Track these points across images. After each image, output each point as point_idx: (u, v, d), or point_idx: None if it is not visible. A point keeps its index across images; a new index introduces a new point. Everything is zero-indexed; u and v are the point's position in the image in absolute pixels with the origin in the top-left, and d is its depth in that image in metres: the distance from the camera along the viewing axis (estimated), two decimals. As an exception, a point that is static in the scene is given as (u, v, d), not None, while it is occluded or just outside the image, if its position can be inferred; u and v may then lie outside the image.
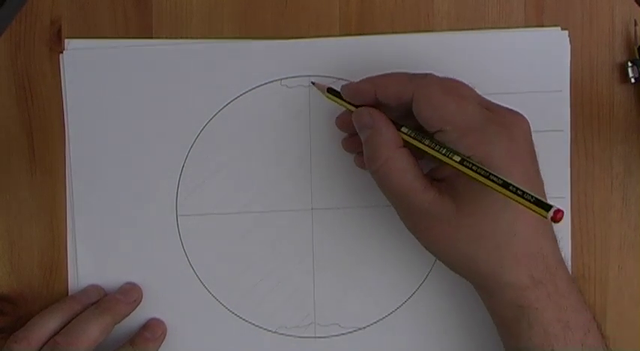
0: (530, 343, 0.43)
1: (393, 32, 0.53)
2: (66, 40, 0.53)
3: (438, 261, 0.50)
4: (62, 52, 0.53)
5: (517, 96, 0.53)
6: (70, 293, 0.53)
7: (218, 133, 0.53)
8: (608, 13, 0.54)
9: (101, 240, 0.53)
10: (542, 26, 0.53)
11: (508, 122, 0.43)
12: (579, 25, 0.53)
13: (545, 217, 0.38)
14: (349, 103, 0.48)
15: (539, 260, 0.43)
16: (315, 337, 0.54)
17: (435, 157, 0.44)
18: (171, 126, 0.53)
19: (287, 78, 0.53)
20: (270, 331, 0.54)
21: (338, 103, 0.49)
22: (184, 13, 0.53)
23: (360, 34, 0.53)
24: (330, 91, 0.50)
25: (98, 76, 0.53)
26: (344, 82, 0.52)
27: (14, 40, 0.53)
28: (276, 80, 0.53)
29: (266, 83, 0.53)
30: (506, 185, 0.40)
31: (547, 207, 0.38)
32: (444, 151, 0.43)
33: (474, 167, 0.41)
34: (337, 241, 0.54)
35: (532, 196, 0.39)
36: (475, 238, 0.43)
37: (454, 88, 0.44)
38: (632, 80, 0.53)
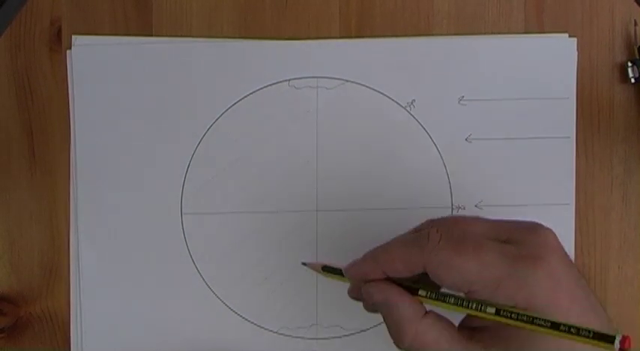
0: None
1: (392, 32, 0.53)
2: (73, 37, 0.53)
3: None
4: (70, 48, 0.53)
5: (524, 102, 0.53)
6: (71, 293, 0.53)
7: (225, 132, 0.53)
8: (608, 13, 0.54)
9: (105, 238, 0.53)
10: (543, 26, 0.53)
11: (536, 252, 0.39)
12: (579, 24, 0.53)
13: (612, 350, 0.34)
14: None
15: None
16: (317, 339, 0.53)
17: (467, 314, 0.40)
18: (178, 124, 0.53)
19: (295, 79, 0.53)
20: (272, 331, 0.53)
21: (337, 279, 0.45)
22: (184, 13, 0.53)
23: (361, 34, 0.53)
24: (326, 269, 0.46)
25: (105, 73, 0.53)
26: (351, 85, 0.52)
27: (14, 40, 0.53)
28: (284, 81, 0.53)
29: (274, 83, 0.53)
30: (555, 326, 0.36)
31: (610, 338, 0.34)
32: (474, 306, 0.39)
33: (513, 315, 0.37)
34: (341, 243, 0.54)
35: (589, 331, 0.35)
36: None
37: (465, 244, 0.39)
38: (632, 80, 0.53)
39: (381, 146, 0.53)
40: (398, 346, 0.41)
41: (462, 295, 0.39)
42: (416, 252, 0.40)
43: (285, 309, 0.54)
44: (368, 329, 0.54)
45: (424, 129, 0.53)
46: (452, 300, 0.39)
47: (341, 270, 0.44)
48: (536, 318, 0.36)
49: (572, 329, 0.35)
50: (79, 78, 0.53)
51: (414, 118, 0.53)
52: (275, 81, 0.53)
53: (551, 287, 0.38)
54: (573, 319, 0.36)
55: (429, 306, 0.40)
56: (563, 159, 0.53)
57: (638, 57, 0.53)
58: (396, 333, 0.40)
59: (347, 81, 0.53)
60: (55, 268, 0.53)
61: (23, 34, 0.53)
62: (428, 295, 0.40)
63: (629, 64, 0.53)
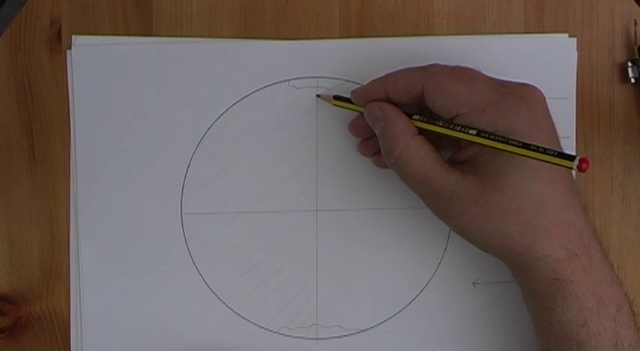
0: (564, 316, 0.43)
1: (392, 32, 0.53)
2: (73, 37, 0.53)
3: (440, 264, 0.50)
4: (70, 48, 0.53)
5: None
6: (71, 293, 0.53)
7: (225, 131, 0.53)
8: (608, 13, 0.54)
9: (105, 238, 0.53)
10: (542, 26, 0.54)
11: (523, 94, 0.44)
12: (579, 24, 0.54)
13: (571, 168, 0.38)
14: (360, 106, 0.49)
15: (572, 231, 0.43)
16: (317, 339, 0.54)
17: (452, 138, 0.44)
18: (178, 124, 0.53)
19: (295, 79, 0.53)
20: (272, 331, 0.54)
21: (347, 108, 0.50)
22: (184, 13, 0.53)
23: (361, 34, 0.53)
24: (337, 97, 0.50)
25: (105, 73, 0.53)
26: (351, 85, 0.52)
27: (14, 40, 0.53)
28: (284, 81, 0.53)
29: (274, 83, 0.53)
30: (526, 146, 0.40)
31: (571, 157, 0.38)
32: (458, 129, 0.43)
33: (491, 136, 0.42)
34: (341, 243, 0.54)
35: (554, 151, 0.39)
36: (504, 213, 0.43)
37: (463, 72, 0.45)
38: (632, 80, 0.53)
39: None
40: (388, 159, 0.46)
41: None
42: (418, 73, 0.45)
43: (285, 309, 0.54)
44: (367, 329, 0.54)
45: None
46: (440, 123, 0.45)
47: (349, 99, 0.50)
48: (511, 139, 0.41)
49: (540, 148, 0.40)
50: (79, 78, 0.52)
51: (415, 118, 0.53)
52: (275, 81, 0.53)
53: (530, 123, 0.42)
54: None
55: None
56: None
57: (638, 57, 0.53)
58: (388, 146, 0.45)
59: (347, 81, 0.53)
60: (55, 268, 0.53)
61: (23, 34, 0.53)
62: (421, 119, 0.46)
63: (629, 64, 0.53)
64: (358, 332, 0.54)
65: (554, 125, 0.45)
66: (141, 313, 0.53)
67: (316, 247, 0.53)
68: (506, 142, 0.41)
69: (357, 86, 0.50)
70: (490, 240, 0.44)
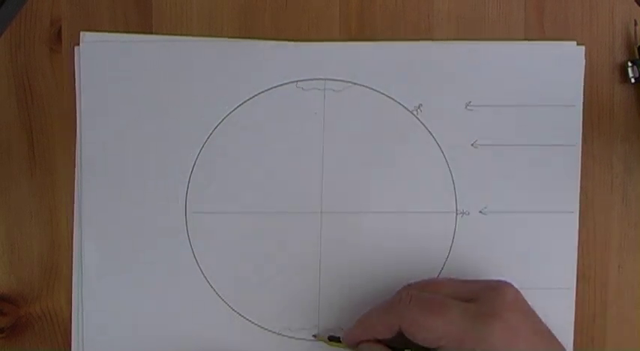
0: None
1: (392, 33, 0.53)
2: (81, 33, 0.53)
3: (443, 269, 0.50)
4: (70, 47, 0.53)
5: (531, 109, 0.53)
6: (73, 292, 0.53)
7: (231, 131, 0.53)
8: (608, 13, 0.54)
9: (108, 237, 0.53)
10: (542, 26, 0.54)
11: (494, 308, 0.45)
12: (579, 24, 0.54)
13: None
14: None
15: None
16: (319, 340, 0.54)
17: None
18: (185, 123, 0.53)
19: (302, 80, 0.53)
20: (274, 332, 0.54)
21: (343, 348, 0.51)
22: (184, 13, 0.53)
23: (361, 34, 0.53)
24: (332, 338, 0.52)
25: (113, 70, 0.53)
26: (359, 88, 0.52)
27: (14, 40, 0.53)
28: (291, 82, 0.53)
29: (281, 85, 0.53)
30: None
31: None
32: None
33: None
34: (345, 246, 0.53)
35: None
36: None
37: (431, 302, 0.46)
38: (632, 80, 0.53)
39: (387, 150, 0.53)
40: None
41: None
42: (392, 314, 0.47)
43: (287, 310, 0.54)
44: (369, 331, 0.54)
45: (430, 133, 0.53)
46: None
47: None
48: None
49: None
50: (86, 74, 0.52)
51: (421, 122, 0.53)
52: (282, 82, 0.53)
53: (508, 338, 0.44)
54: None
55: None
56: (569, 167, 0.53)
57: (638, 57, 0.53)
58: None
59: (354, 84, 0.53)
60: (55, 268, 0.53)
61: (23, 34, 0.53)
62: None
63: (629, 64, 0.53)
64: (360, 334, 0.54)
65: (535, 324, 0.46)
66: (143, 312, 0.53)
67: (320, 249, 0.53)
68: None
69: (365, 88, 0.50)
70: None
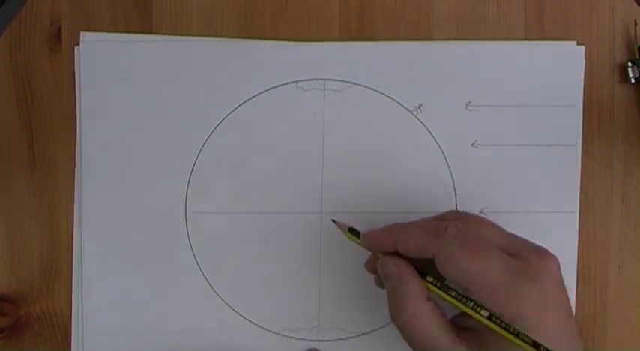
0: None
1: (392, 33, 0.53)
2: (81, 33, 0.53)
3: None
4: (70, 47, 0.53)
5: (531, 109, 0.53)
6: (73, 292, 0.53)
7: (232, 131, 0.53)
8: (608, 13, 0.54)
9: (108, 237, 0.53)
10: (542, 26, 0.54)
11: (535, 271, 0.42)
12: (579, 24, 0.54)
13: None
14: None
15: None
16: (319, 340, 0.54)
17: (462, 309, 0.43)
18: (184, 123, 0.53)
19: (302, 80, 0.53)
20: (273, 332, 0.54)
21: (359, 244, 0.48)
22: (184, 13, 0.53)
23: (361, 34, 0.53)
24: (352, 231, 0.48)
25: (113, 70, 0.53)
26: (359, 88, 0.52)
27: (14, 40, 0.53)
28: (291, 82, 0.53)
29: (281, 85, 0.53)
30: (536, 345, 0.39)
31: None
32: (471, 305, 0.42)
33: (502, 324, 0.40)
34: (344, 246, 0.53)
35: None
36: None
37: (477, 242, 0.43)
38: (632, 80, 0.53)
39: (387, 150, 0.53)
40: (394, 319, 0.44)
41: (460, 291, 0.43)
42: (431, 239, 0.43)
43: (287, 310, 0.54)
44: (370, 332, 0.54)
45: (430, 133, 0.53)
46: (453, 293, 0.43)
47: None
48: (521, 333, 0.40)
49: None
50: (86, 74, 0.53)
51: (421, 122, 0.53)
52: (283, 82, 0.53)
53: (539, 305, 0.41)
54: (550, 339, 0.40)
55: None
56: (569, 167, 0.53)
57: (638, 57, 0.53)
58: (397, 307, 0.44)
59: (354, 84, 0.53)
60: (55, 268, 0.53)
61: (23, 34, 0.53)
62: (434, 282, 0.43)
63: (629, 64, 0.53)
64: (360, 335, 0.54)
65: (566, 298, 0.44)
66: (143, 312, 0.53)
67: (320, 249, 0.53)
68: (517, 335, 0.40)
69: (365, 88, 0.50)
70: None
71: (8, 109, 0.53)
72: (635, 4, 0.53)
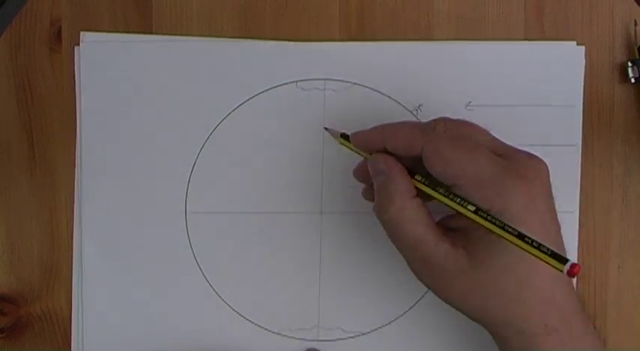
0: None
1: (393, 33, 0.53)
2: (81, 33, 0.53)
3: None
4: (70, 47, 0.53)
5: (531, 109, 0.53)
6: (73, 292, 0.53)
7: (232, 131, 0.53)
8: (608, 13, 0.54)
9: (108, 237, 0.53)
10: (542, 25, 0.53)
11: (525, 171, 0.42)
12: (579, 24, 0.53)
13: (561, 271, 0.37)
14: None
15: (554, 308, 0.43)
16: (319, 340, 0.54)
17: (449, 206, 0.43)
18: (185, 123, 0.53)
19: (302, 80, 0.53)
20: (273, 332, 0.54)
21: (352, 149, 0.48)
22: (184, 13, 0.53)
23: (361, 34, 0.53)
24: (344, 136, 0.49)
25: (112, 70, 0.53)
26: (359, 88, 0.52)
27: (14, 40, 0.53)
28: (291, 82, 0.53)
29: (281, 85, 0.53)
30: (521, 237, 0.39)
31: (563, 260, 0.38)
32: (458, 201, 0.42)
33: (488, 218, 0.41)
34: (345, 246, 0.53)
35: (548, 249, 0.38)
36: (489, 292, 0.42)
37: (465, 140, 0.43)
38: (632, 80, 0.53)
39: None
40: (381, 215, 0.44)
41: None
42: (419, 135, 0.44)
43: (287, 310, 0.54)
44: (369, 332, 0.54)
45: (431, 133, 0.53)
46: (441, 190, 0.43)
47: None
48: (507, 225, 0.40)
49: (534, 243, 0.39)
50: (86, 74, 0.53)
51: (421, 122, 0.53)
52: (283, 82, 0.53)
53: (525, 204, 0.41)
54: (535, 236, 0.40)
55: None
56: (569, 167, 0.53)
57: (638, 57, 0.53)
58: (383, 202, 0.44)
59: (355, 84, 0.53)
60: (55, 268, 0.53)
61: (23, 34, 0.53)
62: (422, 180, 0.44)
63: (629, 64, 0.53)
64: (360, 335, 0.54)
65: (552, 204, 0.44)
66: (142, 312, 0.53)
67: (320, 248, 0.53)
68: (503, 227, 0.40)
69: (365, 88, 0.50)
70: (472, 313, 0.44)
71: (8, 109, 0.53)
72: (635, 4, 0.53)
